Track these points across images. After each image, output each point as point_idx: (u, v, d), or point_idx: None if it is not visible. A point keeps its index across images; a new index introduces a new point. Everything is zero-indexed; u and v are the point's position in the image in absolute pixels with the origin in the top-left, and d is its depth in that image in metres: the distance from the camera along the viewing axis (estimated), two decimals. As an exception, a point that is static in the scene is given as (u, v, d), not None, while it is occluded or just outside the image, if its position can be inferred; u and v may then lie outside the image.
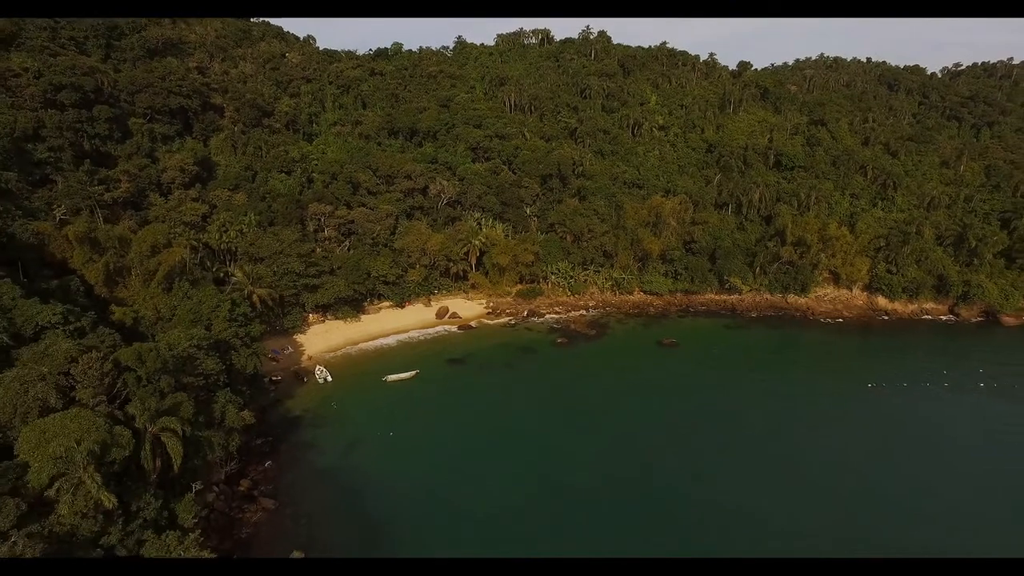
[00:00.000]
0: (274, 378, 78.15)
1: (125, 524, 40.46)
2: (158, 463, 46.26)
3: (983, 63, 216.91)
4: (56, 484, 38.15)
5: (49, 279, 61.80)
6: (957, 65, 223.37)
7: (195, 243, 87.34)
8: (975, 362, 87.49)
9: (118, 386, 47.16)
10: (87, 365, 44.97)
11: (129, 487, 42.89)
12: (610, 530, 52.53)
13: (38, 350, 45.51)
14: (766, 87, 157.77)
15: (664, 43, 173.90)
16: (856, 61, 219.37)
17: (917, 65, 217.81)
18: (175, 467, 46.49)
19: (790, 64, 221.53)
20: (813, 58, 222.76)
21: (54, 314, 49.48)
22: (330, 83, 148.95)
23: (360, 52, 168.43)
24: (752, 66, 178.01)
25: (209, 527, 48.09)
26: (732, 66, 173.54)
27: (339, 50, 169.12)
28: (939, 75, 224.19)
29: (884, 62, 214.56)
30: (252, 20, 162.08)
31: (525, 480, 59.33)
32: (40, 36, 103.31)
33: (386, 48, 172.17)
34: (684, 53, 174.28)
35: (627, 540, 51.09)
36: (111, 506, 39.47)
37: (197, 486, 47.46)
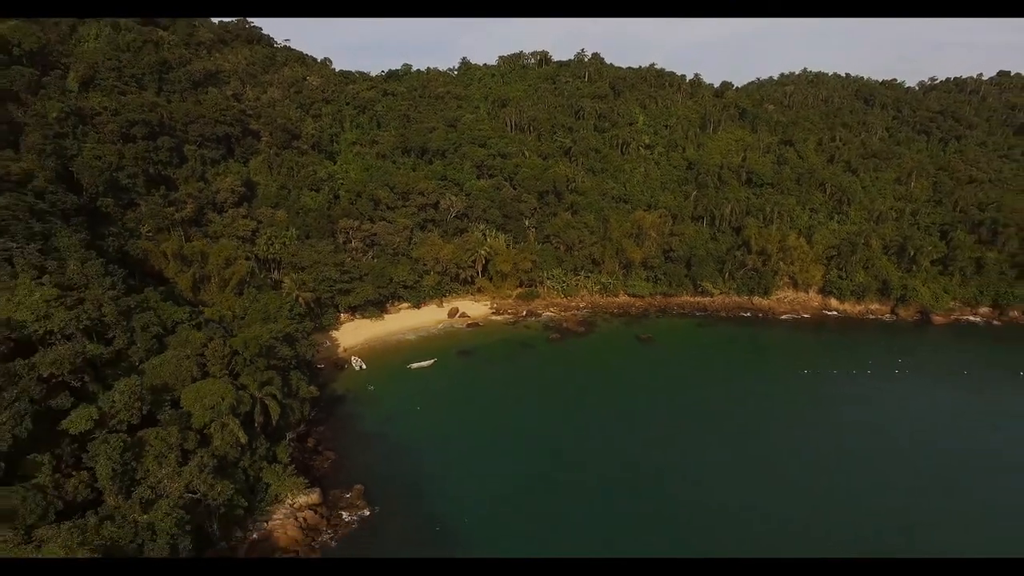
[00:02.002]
0: (319, 366, 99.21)
1: (251, 455, 61.57)
2: (261, 418, 67.37)
3: (955, 78, 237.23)
4: (211, 425, 59.19)
5: (155, 287, 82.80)
6: (932, 79, 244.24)
7: (249, 255, 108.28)
8: (896, 354, 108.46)
9: (232, 364, 68.18)
10: (214, 349, 66.05)
11: (248, 433, 63.90)
12: (586, 461, 73.48)
13: (180, 338, 66.57)
14: (744, 107, 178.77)
15: (652, 64, 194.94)
16: (836, 76, 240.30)
17: (894, 80, 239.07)
18: (273, 422, 67.70)
19: (775, 78, 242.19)
20: (797, 72, 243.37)
21: (184, 313, 70.59)
22: (347, 104, 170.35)
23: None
24: (733, 85, 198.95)
25: (295, 467, 69.00)
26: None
27: (353, 71, 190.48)
28: (916, 88, 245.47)
29: (861, 77, 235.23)
30: (275, 46, 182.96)
31: (522, 441, 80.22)
32: (110, 76, 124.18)
33: (397, 69, 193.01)
34: (671, 74, 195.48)
35: (595, 466, 72.01)
36: (244, 441, 60.62)
37: (290, 435, 68.48)
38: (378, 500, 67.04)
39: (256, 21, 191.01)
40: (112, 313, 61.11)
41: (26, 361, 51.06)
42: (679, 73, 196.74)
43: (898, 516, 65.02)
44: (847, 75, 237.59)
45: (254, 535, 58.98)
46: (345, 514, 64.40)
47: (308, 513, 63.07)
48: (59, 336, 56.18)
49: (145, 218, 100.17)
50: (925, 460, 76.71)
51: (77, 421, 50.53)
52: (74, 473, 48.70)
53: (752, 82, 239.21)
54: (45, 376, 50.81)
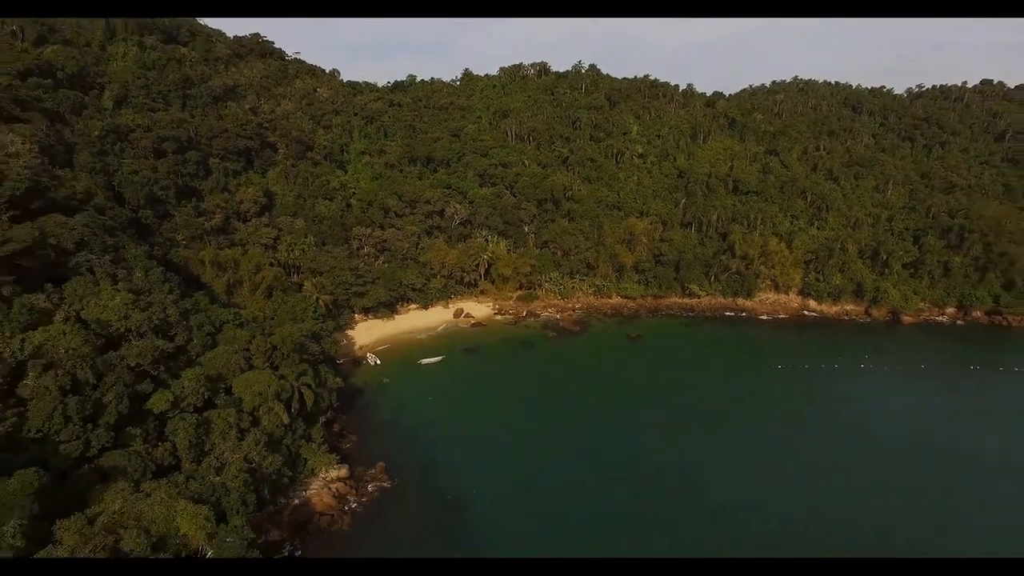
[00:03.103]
0: (339, 361, 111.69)
1: (292, 435, 74.15)
2: (298, 405, 79.88)
3: (941, 86, 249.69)
4: (260, 408, 71.74)
5: (196, 291, 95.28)
6: (920, 86, 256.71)
7: (272, 261, 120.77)
8: (864, 351, 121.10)
9: (272, 358, 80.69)
10: (258, 344, 78.61)
11: (288, 416, 76.40)
12: (579, 443, 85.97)
13: (228, 336, 79.11)
14: (733, 117, 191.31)
15: (647, 75, 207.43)
16: (826, 83, 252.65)
17: (883, 87, 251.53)
18: (308, 407, 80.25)
19: (767, 85, 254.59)
20: (788, 80, 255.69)
21: (228, 314, 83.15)
22: (355, 114, 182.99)
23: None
24: (724, 95, 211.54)
25: (327, 446, 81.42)
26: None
27: (360, 81, 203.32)
28: (904, 95, 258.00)
29: (850, 85, 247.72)
30: (287, 59, 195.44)
31: (522, 428, 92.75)
32: (140, 94, 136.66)
33: (402, 80, 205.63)
34: (665, 84, 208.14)
35: (587, 447, 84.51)
36: (286, 422, 73.20)
37: (322, 419, 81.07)
38: (397, 475, 79.50)
39: (267, 33, 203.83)
40: (175, 314, 73.71)
41: (117, 353, 63.66)
42: (673, 83, 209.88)
43: (844, 479, 77.70)
44: (836, 83, 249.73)
45: (296, 501, 71.51)
46: (370, 486, 76.91)
47: (339, 484, 75.62)
48: (135, 334, 68.73)
49: (179, 228, 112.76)
50: (874, 439, 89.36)
51: (158, 402, 63.11)
52: (159, 443, 61.20)
53: (745, 89, 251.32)
54: (132, 365, 63.37)
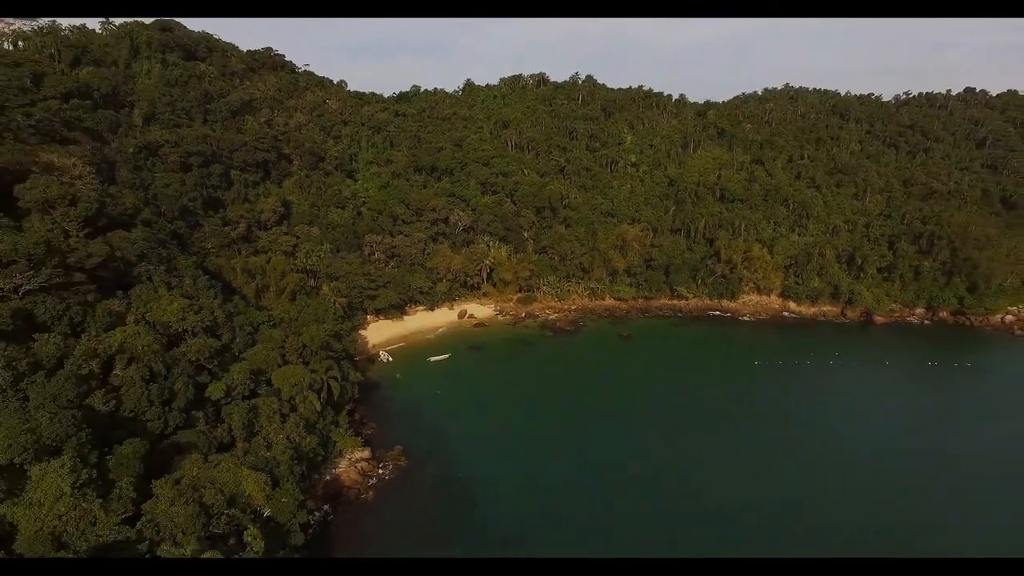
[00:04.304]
0: (356, 358, 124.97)
1: (323, 420, 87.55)
2: (326, 395, 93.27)
3: (927, 93, 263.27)
4: (296, 397, 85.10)
5: (229, 295, 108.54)
6: (907, 93, 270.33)
7: (292, 267, 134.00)
8: (835, 348, 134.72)
9: (303, 354, 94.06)
10: (291, 343, 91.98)
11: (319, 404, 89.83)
12: (573, 427, 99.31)
13: (264, 335, 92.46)
14: (723, 127, 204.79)
15: (641, 86, 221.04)
16: (816, 91, 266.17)
17: (871, 94, 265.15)
18: (335, 397, 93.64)
19: (759, 93, 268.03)
20: (779, 88, 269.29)
21: (263, 316, 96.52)
22: (363, 125, 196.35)
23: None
24: (716, 103, 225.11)
25: (352, 431, 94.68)
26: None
27: (366, 92, 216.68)
28: (891, 101, 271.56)
29: (838, 92, 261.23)
30: (297, 71, 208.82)
31: (522, 416, 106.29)
32: (166, 111, 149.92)
33: (407, 91, 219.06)
34: (659, 94, 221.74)
35: (580, 429, 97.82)
36: (319, 409, 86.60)
37: (347, 408, 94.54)
38: (412, 457, 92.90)
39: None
40: (221, 316, 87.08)
41: (179, 350, 77.04)
42: (671, 87, 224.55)
43: (785, 459, 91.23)
44: (825, 90, 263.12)
45: (327, 476, 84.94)
46: (389, 465, 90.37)
47: (363, 463, 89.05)
48: (190, 333, 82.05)
49: (208, 237, 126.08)
50: (830, 431, 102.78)
51: (215, 391, 76.53)
52: (217, 425, 74.59)
53: (738, 96, 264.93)
54: (193, 360, 76.76)
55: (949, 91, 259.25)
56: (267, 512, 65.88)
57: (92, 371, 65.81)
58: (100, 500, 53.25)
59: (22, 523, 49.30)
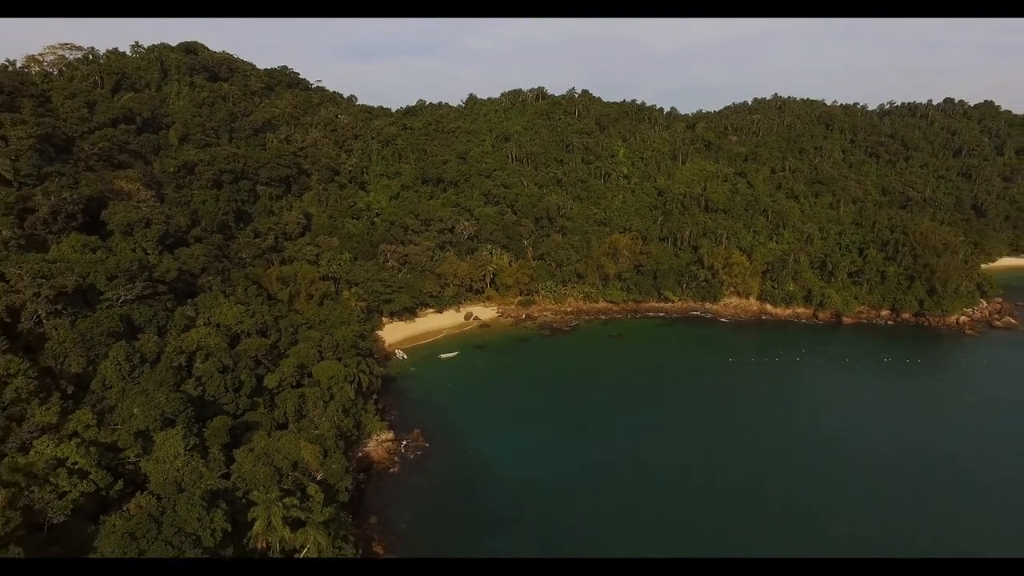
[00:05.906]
0: (375, 356, 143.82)
1: (355, 407, 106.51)
2: (356, 386, 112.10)
3: (908, 103, 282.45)
4: (334, 388, 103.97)
5: (268, 301, 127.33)
6: (891, 103, 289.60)
7: (318, 275, 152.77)
8: (802, 347, 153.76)
9: (337, 351, 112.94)
10: (327, 342, 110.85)
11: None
12: (569, 415, 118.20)
13: (304, 335, 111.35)
14: (710, 140, 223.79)
15: (634, 100, 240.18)
16: (803, 101, 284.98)
17: (855, 104, 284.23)
18: (364, 388, 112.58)
19: (749, 103, 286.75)
20: (768, 97, 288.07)
21: (301, 319, 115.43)
22: (373, 138, 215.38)
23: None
24: (705, 113, 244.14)
25: (378, 416, 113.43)
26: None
27: (374, 106, 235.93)
28: (875, 111, 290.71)
29: (823, 102, 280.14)
30: (311, 88, 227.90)
31: (524, 404, 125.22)
32: (197, 131, 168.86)
33: (413, 105, 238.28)
34: (651, 108, 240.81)
35: (575, 418, 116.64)
36: (352, 398, 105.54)
37: (373, 397, 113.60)
38: (430, 439, 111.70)
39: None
40: (270, 320, 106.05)
41: (240, 347, 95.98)
42: (661, 102, 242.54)
43: (755, 438, 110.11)
44: (811, 100, 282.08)
45: (359, 454, 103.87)
46: (413, 445, 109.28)
47: (389, 443, 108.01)
48: (246, 334, 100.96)
49: (242, 248, 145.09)
50: (784, 415, 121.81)
51: (271, 381, 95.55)
52: (274, 409, 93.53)
53: (728, 106, 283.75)
54: (252, 355, 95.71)
55: (930, 101, 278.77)
56: (320, 475, 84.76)
57: (180, 364, 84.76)
58: (203, 460, 72.23)
59: (153, 473, 68.28)
